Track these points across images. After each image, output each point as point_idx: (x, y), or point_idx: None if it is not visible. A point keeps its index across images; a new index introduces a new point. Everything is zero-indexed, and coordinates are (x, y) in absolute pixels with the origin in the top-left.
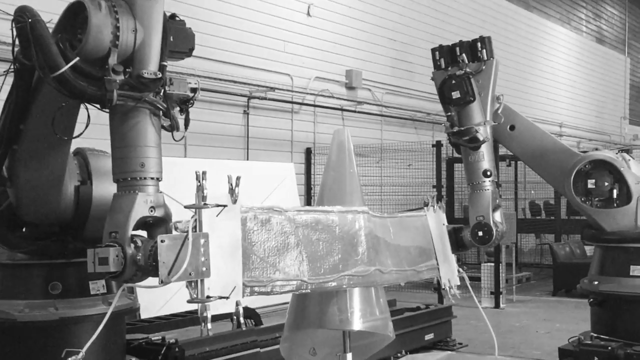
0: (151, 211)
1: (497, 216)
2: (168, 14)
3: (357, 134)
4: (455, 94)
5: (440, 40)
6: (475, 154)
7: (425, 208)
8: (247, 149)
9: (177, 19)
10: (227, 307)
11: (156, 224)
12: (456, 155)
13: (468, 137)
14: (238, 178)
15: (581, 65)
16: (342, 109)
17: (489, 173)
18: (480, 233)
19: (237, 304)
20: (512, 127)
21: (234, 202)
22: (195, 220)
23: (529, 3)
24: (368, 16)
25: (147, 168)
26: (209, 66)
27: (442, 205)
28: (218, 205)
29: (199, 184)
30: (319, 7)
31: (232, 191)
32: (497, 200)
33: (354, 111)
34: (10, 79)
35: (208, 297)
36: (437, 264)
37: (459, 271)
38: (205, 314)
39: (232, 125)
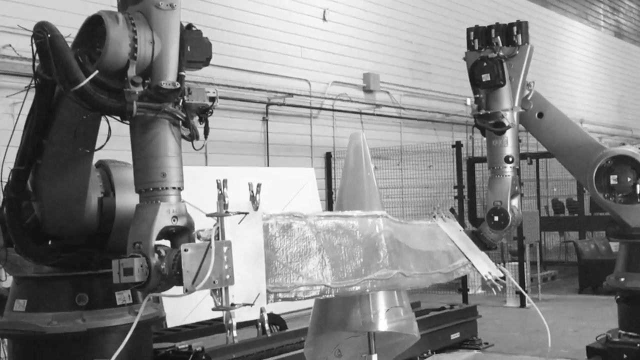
0: (174, 220)
1: (515, 202)
2: (184, 24)
3: (377, 137)
4: (486, 77)
5: (457, 41)
6: (500, 139)
7: (434, 219)
8: (267, 155)
9: (193, 29)
10: (252, 314)
11: (179, 233)
12: (477, 155)
13: (494, 122)
14: (259, 185)
15: (600, 60)
16: (360, 113)
17: (511, 159)
18: (496, 218)
19: (262, 310)
20: (541, 115)
21: (256, 209)
22: (218, 228)
23: (546, 0)
24: (384, 19)
25: (169, 178)
26: (227, 74)
27: (451, 215)
28: (240, 213)
29: (220, 192)
30: (334, 12)
31: (253, 198)
32: (517, 187)
33: (373, 114)
34: (31, 95)
35: (233, 304)
36: (470, 262)
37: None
38: (230, 322)
39: (252, 132)
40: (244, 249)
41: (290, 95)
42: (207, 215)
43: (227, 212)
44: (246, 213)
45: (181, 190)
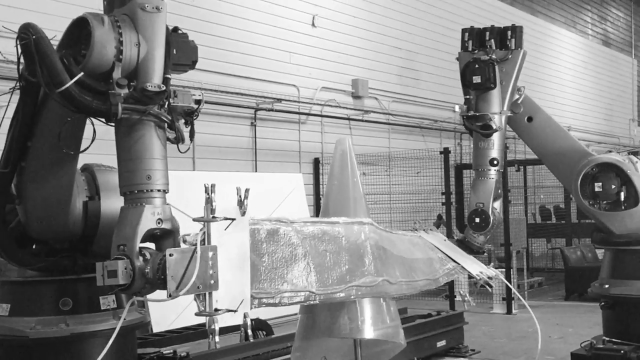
0: (158, 223)
1: (496, 205)
2: (171, 28)
3: (365, 143)
4: (476, 79)
5: (445, 47)
6: (486, 142)
7: (415, 231)
8: (255, 160)
9: (179, 32)
10: (238, 319)
11: (164, 236)
12: (464, 161)
13: (482, 124)
14: (247, 190)
15: (588, 68)
16: (349, 119)
17: (495, 162)
18: (477, 220)
19: (245, 316)
20: (530, 119)
21: (243, 214)
22: (204, 233)
23: (534, 8)
24: (373, 25)
25: (154, 180)
26: (216, 79)
27: (434, 228)
28: (227, 219)
29: (207, 196)
30: (323, 18)
31: (240, 203)
32: (500, 191)
33: (361, 120)
34: (16, 97)
35: (216, 309)
36: (460, 264)
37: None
38: (213, 327)
39: (240, 137)
40: (229, 254)
41: (279, 100)
42: (194, 220)
43: (214, 217)
44: (233, 219)
45: (166, 192)
